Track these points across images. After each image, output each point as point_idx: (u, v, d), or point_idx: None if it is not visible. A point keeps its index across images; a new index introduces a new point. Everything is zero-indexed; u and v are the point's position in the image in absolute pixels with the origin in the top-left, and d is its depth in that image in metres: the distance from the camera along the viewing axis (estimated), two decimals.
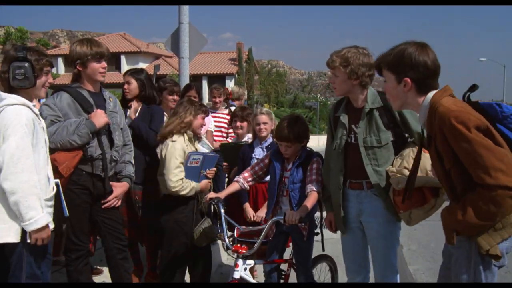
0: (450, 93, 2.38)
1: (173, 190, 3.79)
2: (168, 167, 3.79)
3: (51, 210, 2.96)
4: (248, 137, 5.05)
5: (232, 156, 4.87)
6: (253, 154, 4.47)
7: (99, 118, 3.45)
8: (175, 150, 3.82)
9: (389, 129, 3.12)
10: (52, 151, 3.24)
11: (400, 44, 2.50)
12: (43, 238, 2.81)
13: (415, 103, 2.47)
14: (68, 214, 3.15)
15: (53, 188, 3.01)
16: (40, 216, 2.74)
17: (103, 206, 3.60)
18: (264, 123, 4.41)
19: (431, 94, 2.40)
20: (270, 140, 4.47)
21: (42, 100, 3.91)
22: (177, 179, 3.78)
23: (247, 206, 4.44)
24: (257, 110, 4.57)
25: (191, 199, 3.94)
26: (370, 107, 3.14)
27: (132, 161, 3.88)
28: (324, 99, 47.34)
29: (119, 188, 3.70)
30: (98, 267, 4.70)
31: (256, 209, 4.47)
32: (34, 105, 2.93)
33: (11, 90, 2.84)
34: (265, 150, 4.41)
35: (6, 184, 2.67)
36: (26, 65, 2.81)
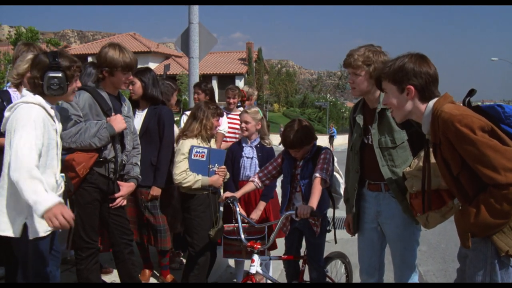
0: (450, 100, 2.40)
1: (176, 182, 4.01)
2: (174, 162, 4.04)
3: None
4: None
5: None
6: (243, 153, 4.50)
7: (119, 123, 3.51)
8: (183, 146, 4.04)
9: (403, 128, 3.07)
10: (71, 150, 3.35)
11: (399, 56, 2.55)
12: (57, 217, 2.55)
13: (418, 112, 2.49)
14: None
15: (61, 187, 3.06)
16: (43, 197, 2.60)
17: (110, 205, 3.64)
18: (246, 122, 4.41)
19: (432, 103, 2.42)
20: (258, 140, 4.50)
21: None
22: (180, 171, 3.99)
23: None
24: (245, 109, 4.56)
25: (203, 194, 4.10)
26: (381, 107, 3.10)
27: (139, 163, 3.95)
28: (333, 99, 47.25)
29: (125, 188, 3.75)
30: (108, 266, 4.72)
31: (248, 211, 4.46)
32: (53, 107, 2.98)
33: (41, 94, 2.90)
34: (254, 149, 4.46)
35: (13, 175, 2.66)
36: (60, 75, 2.89)
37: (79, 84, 3.16)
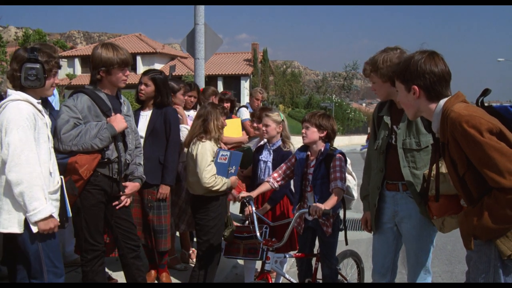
0: (462, 99, 2.35)
1: (207, 186, 3.96)
2: (200, 166, 3.98)
3: (56, 204, 3.03)
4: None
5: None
6: (260, 156, 4.51)
7: (119, 122, 3.51)
8: (206, 150, 4.01)
9: (429, 131, 3.00)
10: (73, 153, 3.34)
11: (409, 54, 2.53)
12: (51, 228, 2.89)
13: (427, 111, 2.46)
14: (71, 215, 3.22)
15: (58, 181, 3.09)
16: (43, 207, 2.83)
17: (113, 203, 3.64)
18: (266, 125, 4.41)
19: (443, 101, 2.38)
20: (278, 143, 4.46)
21: (50, 98, 4.08)
22: (210, 175, 3.97)
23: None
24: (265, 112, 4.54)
25: (222, 196, 4.14)
26: None
27: (142, 162, 3.95)
28: (339, 100, 47.12)
29: (130, 187, 3.76)
30: (112, 276, 4.67)
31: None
32: (39, 102, 3.04)
33: (22, 88, 2.97)
34: (271, 152, 4.45)
35: (10, 176, 2.78)
36: (37, 66, 2.96)
37: (57, 80, 3.20)
